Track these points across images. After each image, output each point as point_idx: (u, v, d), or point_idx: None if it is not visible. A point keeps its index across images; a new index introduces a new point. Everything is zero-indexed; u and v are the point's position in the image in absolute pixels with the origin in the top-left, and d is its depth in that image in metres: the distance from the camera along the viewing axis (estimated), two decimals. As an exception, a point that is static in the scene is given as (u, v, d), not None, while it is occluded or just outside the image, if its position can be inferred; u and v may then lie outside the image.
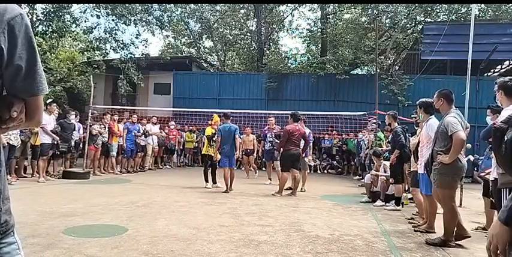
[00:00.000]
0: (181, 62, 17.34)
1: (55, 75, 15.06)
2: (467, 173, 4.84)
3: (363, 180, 8.93)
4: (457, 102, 4.32)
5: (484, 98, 12.44)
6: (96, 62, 16.37)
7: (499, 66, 17.05)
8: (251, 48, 21.80)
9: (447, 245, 4.03)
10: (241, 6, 20.56)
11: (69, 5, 14.03)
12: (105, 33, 15.69)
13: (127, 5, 14.80)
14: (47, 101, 8.67)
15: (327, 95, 15.51)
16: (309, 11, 20.05)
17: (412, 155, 5.53)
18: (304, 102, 15.38)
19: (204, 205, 6.11)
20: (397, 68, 17.99)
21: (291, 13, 21.20)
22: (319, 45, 19.04)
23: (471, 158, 10.75)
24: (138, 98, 17.88)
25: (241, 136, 9.81)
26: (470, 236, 4.12)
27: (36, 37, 12.64)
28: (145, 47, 18.48)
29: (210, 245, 3.76)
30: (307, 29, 20.01)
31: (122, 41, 15.99)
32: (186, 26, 21.37)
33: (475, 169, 10.81)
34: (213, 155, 8.13)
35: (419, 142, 4.99)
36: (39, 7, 13.74)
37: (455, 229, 4.12)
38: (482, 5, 15.98)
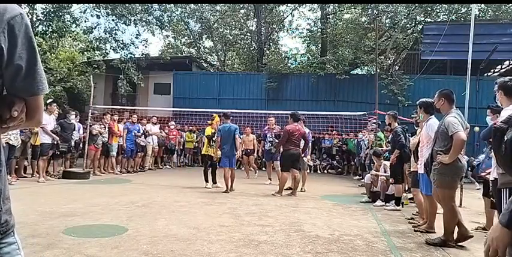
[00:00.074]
0: (181, 62, 17.35)
1: (55, 75, 15.05)
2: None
3: (363, 180, 8.93)
4: (457, 102, 4.32)
5: (484, 98, 12.45)
6: (96, 62, 16.38)
7: (499, 66, 17.06)
8: (251, 48, 21.80)
9: (447, 245, 4.03)
10: (241, 6, 20.56)
11: (69, 5, 14.02)
12: (105, 33, 15.70)
13: (127, 5, 14.80)
14: (47, 101, 8.66)
15: (327, 95, 15.51)
16: (309, 11, 20.09)
17: (412, 155, 5.53)
18: (304, 102, 15.38)
19: (204, 205, 6.11)
20: (397, 68, 18.00)
21: (291, 13, 21.24)
22: (319, 45, 19.04)
23: (465, 157, 10.75)
24: (138, 98, 17.89)
25: (241, 136, 9.80)
26: (472, 236, 4.11)
27: (36, 37, 12.65)
28: (145, 47, 18.52)
29: (210, 245, 3.76)
30: (307, 29, 20.04)
31: (122, 41, 16.01)
32: (186, 26, 21.37)
33: (469, 169, 10.82)
34: (212, 155, 8.13)
35: (419, 142, 4.99)
36: (39, 7, 13.75)
37: (457, 229, 4.12)
38: (482, 5, 15.98)
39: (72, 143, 9.36)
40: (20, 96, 1.09)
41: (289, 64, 18.90)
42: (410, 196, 7.06)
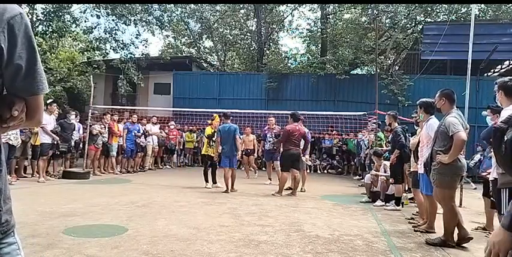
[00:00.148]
0: (181, 62, 17.34)
1: (55, 75, 15.05)
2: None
3: (363, 180, 8.93)
4: (457, 102, 4.32)
5: (484, 98, 12.44)
6: (96, 62, 16.37)
7: (499, 66, 17.05)
8: (251, 48, 21.80)
9: (447, 245, 4.03)
10: (241, 6, 20.55)
11: (69, 5, 14.02)
12: (105, 33, 15.69)
13: (127, 5, 14.80)
14: (47, 101, 8.66)
15: (327, 95, 15.50)
16: (309, 11, 20.08)
17: (412, 155, 5.53)
18: (304, 102, 15.37)
19: (204, 205, 6.11)
20: (397, 68, 17.99)
21: (291, 13, 21.23)
22: (319, 45, 19.04)
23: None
24: (138, 98, 17.88)
25: (241, 136, 9.80)
26: (472, 238, 4.11)
27: (36, 37, 12.64)
28: (145, 47, 18.50)
29: (210, 245, 3.76)
30: (307, 29, 20.04)
31: (122, 41, 16.01)
32: (186, 26, 21.37)
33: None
34: (212, 155, 8.13)
35: (419, 142, 4.99)
36: (39, 7, 13.74)
37: (457, 231, 4.11)
38: (482, 5, 15.97)
39: (72, 143, 9.36)
40: (20, 96, 1.09)
41: (289, 64, 18.89)
42: (410, 196, 7.07)
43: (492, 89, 3.51)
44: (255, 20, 20.42)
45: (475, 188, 9.82)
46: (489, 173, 4.19)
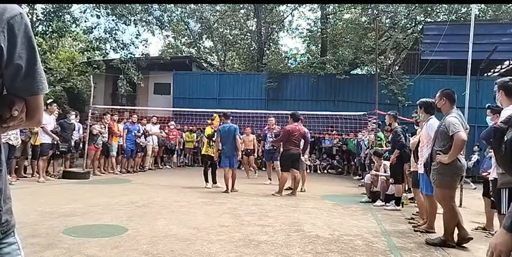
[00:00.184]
0: (181, 62, 17.34)
1: (55, 75, 15.05)
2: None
3: (363, 180, 8.93)
4: (457, 102, 4.32)
5: (484, 98, 12.43)
6: (96, 62, 16.37)
7: (499, 66, 17.05)
8: (251, 48, 21.80)
9: (447, 245, 4.03)
10: (241, 6, 20.55)
11: (69, 5, 14.02)
12: (105, 33, 15.69)
13: (127, 5, 14.79)
14: (48, 101, 8.66)
15: (327, 95, 15.50)
16: (309, 11, 20.07)
17: (412, 155, 5.53)
18: (304, 102, 15.37)
19: (204, 205, 6.11)
20: (397, 68, 17.99)
21: (291, 13, 21.23)
22: (319, 45, 19.04)
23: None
24: (138, 98, 17.88)
25: (241, 136, 9.81)
26: (472, 238, 4.11)
27: (36, 37, 12.64)
28: (145, 47, 18.49)
29: (210, 245, 3.76)
30: (307, 29, 20.03)
31: (122, 41, 16.00)
32: (186, 26, 21.37)
33: None
34: (212, 155, 8.13)
35: (419, 142, 4.99)
36: (39, 7, 13.74)
37: (457, 231, 4.11)
38: (482, 5, 15.97)
39: (72, 143, 9.37)
40: (20, 96, 1.09)
41: (289, 64, 18.89)
42: (410, 196, 7.07)
43: (492, 89, 3.51)
44: (255, 20, 20.42)
45: (475, 188, 9.81)
46: (489, 173, 4.19)
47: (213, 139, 8.12)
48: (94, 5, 14.73)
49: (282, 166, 7.87)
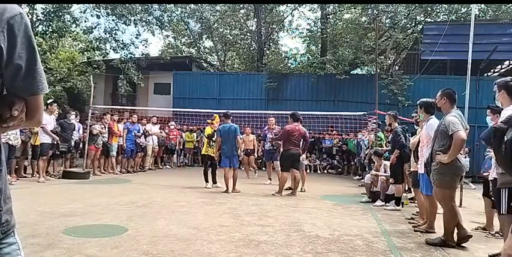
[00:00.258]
0: (181, 62, 17.34)
1: (55, 75, 15.05)
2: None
3: (363, 180, 8.93)
4: (457, 102, 4.33)
5: (484, 98, 12.44)
6: (96, 62, 16.37)
7: (499, 66, 17.04)
8: (251, 48, 21.80)
9: (447, 245, 4.03)
10: (241, 6, 20.55)
11: (69, 5, 14.02)
12: (105, 33, 15.69)
13: (127, 5, 14.79)
14: (48, 101, 8.67)
15: (327, 95, 15.50)
16: (309, 11, 20.07)
17: (412, 155, 5.53)
18: (304, 102, 15.37)
19: (204, 205, 6.11)
20: (397, 68, 17.98)
21: (291, 13, 21.22)
22: (319, 45, 19.03)
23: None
24: (138, 98, 17.88)
25: (241, 136, 9.80)
26: (471, 236, 4.11)
27: (36, 37, 12.64)
28: (145, 47, 18.46)
29: (210, 245, 3.76)
30: (307, 29, 20.03)
31: (122, 41, 16.00)
32: (186, 26, 21.37)
33: None
34: (212, 155, 8.12)
35: (419, 142, 4.99)
36: (39, 7, 13.74)
37: (457, 231, 4.11)
38: (482, 5, 15.96)
39: (72, 143, 9.37)
40: (20, 96, 1.09)
41: (289, 64, 18.88)
42: (410, 196, 7.07)
43: (492, 89, 3.51)
44: (255, 20, 20.42)
45: (474, 188, 9.82)
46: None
47: (213, 139, 8.11)
48: (94, 5, 14.73)
49: (282, 166, 7.87)
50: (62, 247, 3.50)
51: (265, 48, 20.22)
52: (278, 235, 4.30)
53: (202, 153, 8.81)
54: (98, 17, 15.05)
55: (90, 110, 10.07)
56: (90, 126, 9.51)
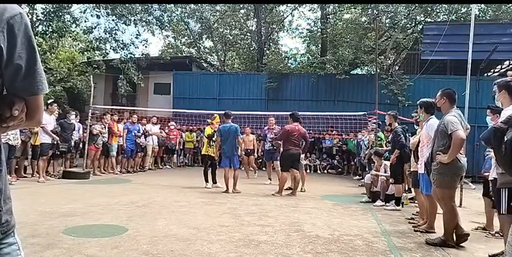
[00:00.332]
0: (181, 62, 17.33)
1: (55, 75, 15.05)
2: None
3: (363, 180, 8.93)
4: (457, 102, 4.33)
5: (484, 98, 12.43)
6: (96, 62, 16.37)
7: (499, 66, 17.04)
8: (251, 48, 21.80)
9: (447, 245, 4.03)
10: (241, 6, 20.55)
11: (69, 5, 14.01)
12: (105, 33, 15.68)
13: (127, 5, 14.79)
14: (48, 101, 8.67)
15: (327, 95, 15.50)
16: (309, 11, 20.07)
17: (412, 155, 5.53)
18: (304, 102, 15.37)
19: (204, 205, 6.11)
20: (397, 68, 17.98)
21: (291, 13, 21.22)
22: (319, 45, 19.03)
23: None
24: (138, 98, 17.88)
25: (241, 136, 9.80)
26: (469, 234, 4.12)
27: (36, 37, 12.64)
28: (145, 47, 18.47)
29: (210, 245, 3.76)
30: (307, 29, 20.03)
31: (122, 41, 15.99)
32: (186, 26, 21.37)
33: None
34: (212, 155, 8.12)
35: (419, 142, 4.99)
36: (39, 7, 13.74)
37: (455, 230, 4.11)
38: (482, 5, 15.96)
39: (72, 143, 9.37)
40: (20, 95, 1.09)
41: (289, 64, 18.87)
42: (410, 196, 7.07)
43: (492, 89, 3.51)
44: (255, 20, 20.41)
45: (474, 188, 9.81)
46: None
47: (213, 138, 8.11)
48: (94, 5, 14.73)
49: (282, 166, 7.87)
50: (62, 247, 3.50)
51: (265, 48, 20.22)
52: (278, 235, 4.30)
53: (202, 153, 8.81)
54: (98, 17, 15.05)
55: (90, 110, 10.07)
56: (90, 126, 9.51)
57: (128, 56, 16.02)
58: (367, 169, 9.52)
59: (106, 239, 3.81)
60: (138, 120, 11.23)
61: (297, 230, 4.60)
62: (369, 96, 14.19)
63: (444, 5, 15.71)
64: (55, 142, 8.47)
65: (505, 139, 1.92)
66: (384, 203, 6.65)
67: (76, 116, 9.92)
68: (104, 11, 14.98)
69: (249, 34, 21.63)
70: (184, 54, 20.81)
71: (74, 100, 16.74)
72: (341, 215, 5.80)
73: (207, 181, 8.35)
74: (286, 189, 7.99)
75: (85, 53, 16.74)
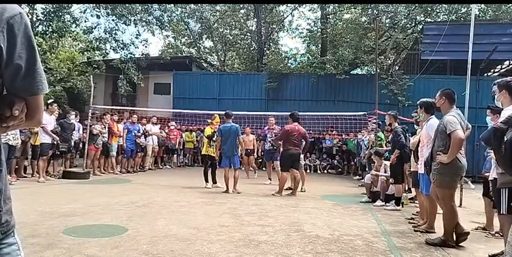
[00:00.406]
0: (181, 62, 17.34)
1: (55, 75, 15.05)
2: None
3: (363, 180, 8.93)
4: (457, 102, 4.33)
5: (484, 98, 12.43)
6: (96, 62, 16.38)
7: (499, 66, 17.04)
8: (251, 48, 21.80)
9: (447, 245, 4.03)
10: (241, 6, 20.55)
11: (69, 5, 14.01)
12: (105, 33, 15.68)
13: (127, 5, 14.79)
14: (48, 101, 8.67)
15: (327, 95, 15.50)
16: (309, 11, 20.07)
17: (412, 155, 5.53)
18: (304, 102, 15.37)
19: (204, 205, 6.11)
20: (397, 68, 17.98)
21: (291, 13, 21.22)
22: (319, 45, 19.03)
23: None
24: (138, 98, 17.88)
25: (241, 136, 9.80)
26: (469, 233, 4.12)
27: (36, 37, 12.64)
28: (145, 47, 18.48)
29: (210, 245, 3.76)
30: (307, 29, 20.02)
31: (122, 41, 15.99)
32: (186, 26, 21.37)
33: None
34: (213, 155, 8.11)
35: (419, 142, 4.99)
36: (39, 7, 13.74)
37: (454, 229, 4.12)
38: (482, 5, 15.96)
39: (72, 143, 9.37)
40: (20, 95, 1.09)
41: (289, 64, 18.87)
42: (410, 196, 7.07)
43: (492, 89, 3.51)
44: (255, 20, 20.41)
45: (473, 188, 9.81)
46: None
47: (213, 139, 8.10)
48: (94, 5, 14.73)
49: (282, 166, 7.87)
50: (62, 247, 3.50)
51: (265, 48, 20.21)
52: (278, 235, 4.30)
53: (202, 153, 8.81)
54: (98, 17, 15.05)
55: (90, 110, 10.07)
56: (90, 126, 9.51)
57: (128, 56, 16.02)
58: (367, 169, 9.52)
59: (106, 239, 3.81)
60: (138, 120, 11.23)
61: (297, 230, 4.60)
62: (369, 96, 14.19)
63: (444, 5, 15.71)
64: (55, 142, 8.47)
65: (505, 139, 1.92)
66: (384, 203, 6.65)
67: (76, 116, 9.92)
68: (104, 11, 14.98)
69: (249, 34, 21.63)
70: (184, 54, 20.81)
71: (74, 100, 16.74)
72: (341, 215, 5.80)
73: (207, 181, 8.35)
74: (286, 189, 7.99)
75: (85, 53, 16.74)
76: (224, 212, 5.55)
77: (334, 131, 13.76)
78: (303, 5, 19.84)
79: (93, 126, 9.58)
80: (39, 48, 10.29)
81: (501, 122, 2.10)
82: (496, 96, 3.38)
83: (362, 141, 11.35)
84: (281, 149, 7.96)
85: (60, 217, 4.77)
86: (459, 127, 3.93)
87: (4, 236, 1.11)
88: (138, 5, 15.20)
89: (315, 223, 5.08)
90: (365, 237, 4.38)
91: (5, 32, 1.01)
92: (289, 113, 8.23)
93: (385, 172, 6.75)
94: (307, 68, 17.05)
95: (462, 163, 4.10)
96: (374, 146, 9.12)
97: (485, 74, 16.68)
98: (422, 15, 16.40)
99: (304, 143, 8.09)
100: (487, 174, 4.72)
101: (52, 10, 13.47)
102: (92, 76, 11.17)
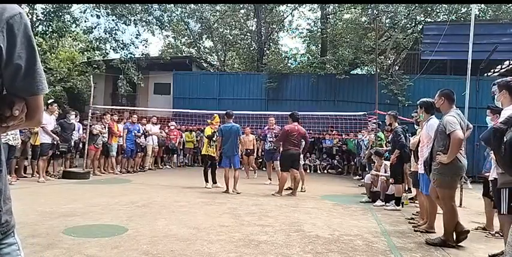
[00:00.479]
0: (181, 62, 17.34)
1: (55, 75, 15.05)
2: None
3: (363, 180, 8.93)
4: (457, 102, 4.33)
5: (484, 98, 12.43)
6: (96, 62, 16.37)
7: (499, 66, 17.04)
8: (251, 48, 21.80)
9: (447, 245, 4.04)
10: (241, 6, 20.54)
11: (69, 5, 14.01)
12: (105, 33, 15.68)
13: (127, 5, 14.79)
14: (48, 101, 8.67)
15: (327, 95, 15.50)
16: (309, 11, 20.07)
17: (412, 155, 5.53)
18: (304, 102, 15.37)
19: (204, 205, 6.11)
20: (397, 68, 17.98)
21: (291, 13, 21.22)
22: (319, 45, 19.03)
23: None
24: (138, 98, 17.88)
25: (242, 136, 9.80)
26: (469, 231, 4.12)
27: (36, 37, 12.65)
28: (145, 47, 18.44)
29: (210, 245, 3.76)
30: (307, 29, 20.03)
31: (122, 41, 15.99)
32: (186, 26, 21.37)
33: None
34: (213, 155, 8.11)
35: (419, 142, 5.00)
36: (39, 7, 13.74)
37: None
38: (482, 5, 15.96)
39: (72, 143, 9.37)
40: (20, 95, 1.09)
41: (289, 64, 18.87)
42: (410, 196, 7.07)
43: (492, 89, 3.51)
44: (255, 20, 20.41)
45: (472, 188, 9.80)
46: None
47: (213, 139, 8.10)
48: (94, 5, 14.72)
49: (282, 166, 7.87)
50: (62, 247, 3.50)
51: (265, 48, 20.21)
52: (278, 235, 4.31)
53: (202, 153, 8.80)
54: (98, 17, 15.05)
55: (90, 110, 10.07)
56: (90, 126, 9.51)
57: (128, 56, 16.02)
58: (367, 169, 9.52)
59: (106, 239, 3.81)
60: (138, 120, 11.23)
61: (297, 230, 4.60)
62: (369, 96, 14.19)
63: (444, 5, 15.71)
64: (55, 142, 8.47)
65: (505, 140, 1.92)
66: (384, 203, 6.65)
67: (76, 116, 9.93)
68: (104, 11, 14.97)
69: (249, 34, 21.63)
70: (184, 54, 20.81)
71: (74, 100, 16.74)
72: (341, 215, 5.81)
73: (207, 181, 8.35)
74: (286, 189, 7.99)
75: (85, 53, 16.74)
76: (224, 212, 5.55)
77: (334, 131, 13.76)
78: (303, 5, 19.85)
79: (93, 126, 9.58)
80: (39, 48, 10.31)
81: (501, 123, 2.10)
82: (496, 96, 3.39)
83: (362, 141, 11.35)
84: (281, 149, 7.96)
85: (60, 217, 4.77)
86: (458, 127, 3.93)
87: (4, 236, 1.11)
88: (138, 5, 15.20)
89: (315, 223, 5.08)
90: (365, 237, 4.38)
91: (4, 32, 1.01)
92: (289, 113, 8.23)
93: (385, 172, 6.75)
94: (307, 68, 17.05)
95: (462, 163, 4.10)
96: (374, 146, 9.12)
97: (485, 74, 16.68)
98: (422, 15, 16.40)
99: (304, 143, 8.10)
100: (487, 174, 4.72)
101: (52, 10, 13.47)
102: (92, 76, 11.17)
